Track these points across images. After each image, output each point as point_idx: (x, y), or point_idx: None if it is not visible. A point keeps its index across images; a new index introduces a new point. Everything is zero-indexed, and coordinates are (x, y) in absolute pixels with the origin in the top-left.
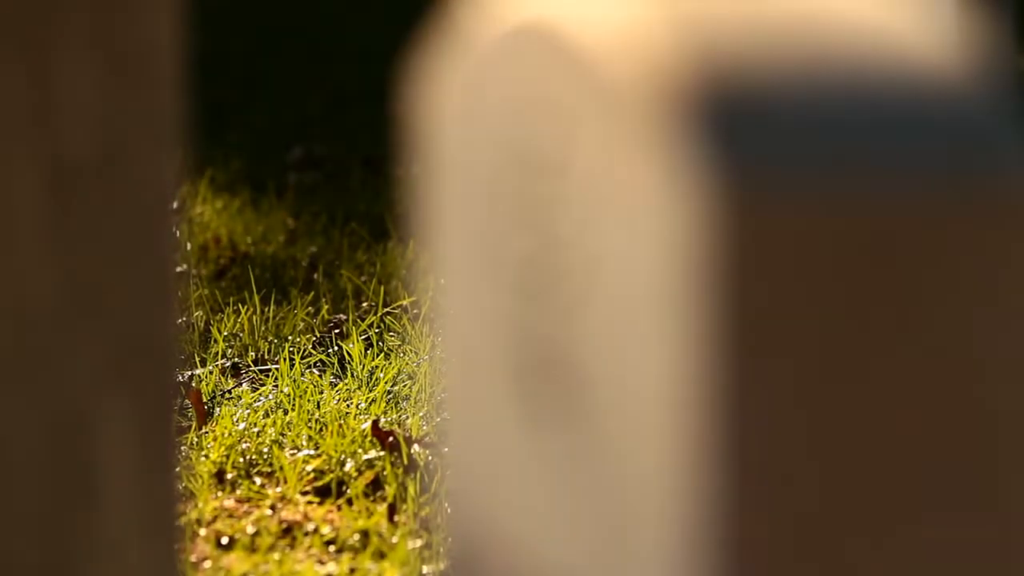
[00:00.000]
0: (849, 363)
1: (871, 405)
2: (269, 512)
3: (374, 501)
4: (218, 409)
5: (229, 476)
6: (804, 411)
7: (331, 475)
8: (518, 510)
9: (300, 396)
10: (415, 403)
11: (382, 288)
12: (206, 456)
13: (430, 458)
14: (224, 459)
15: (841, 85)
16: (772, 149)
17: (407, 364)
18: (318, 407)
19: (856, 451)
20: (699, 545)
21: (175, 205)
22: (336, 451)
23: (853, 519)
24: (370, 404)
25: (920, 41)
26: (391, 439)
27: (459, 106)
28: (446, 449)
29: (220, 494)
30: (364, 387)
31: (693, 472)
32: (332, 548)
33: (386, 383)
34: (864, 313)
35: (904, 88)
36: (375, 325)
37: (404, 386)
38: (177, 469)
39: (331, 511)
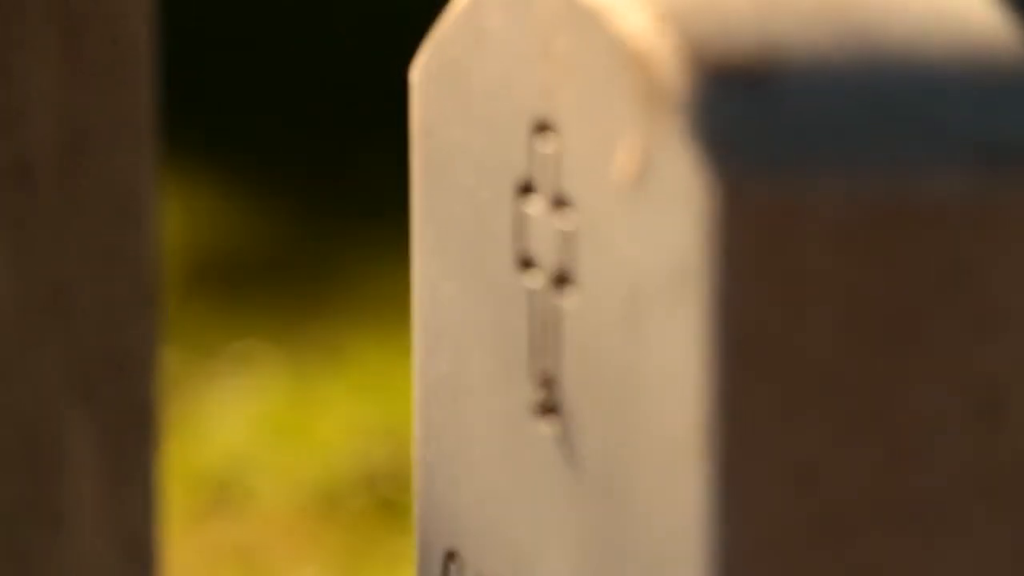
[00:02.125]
0: (854, 363)
1: (878, 405)
2: (252, 534)
3: (365, 521)
4: (196, 422)
5: (207, 495)
6: (806, 412)
7: (319, 495)
8: (511, 528)
9: (287, 409)
10: (408, 417)
11: (378, 293)
12: (182, 473)
13: (422, 475)
14: (203, 476)
15: (863, 68)
16: (785, 137)
17: (401, 376)
18: (306, 422)
19: (863, 453)
20: (697, 552)
21: (151, 204)
22: (325, 469)
23: (860, 524)
24: (361, 419)
25: (949, 26)
26: (383, 455)
27: (446, 69)
28: (438, 464)
29: (197, 514)
30: (356, 400)
31: (693, 477)
32: (319, 572)
33: (378, 395)
34: (873, 311)
35: (934, 71)
36: (368, 331)
37: (397, 399)
38: (150, 487)
39: (319, 531)
